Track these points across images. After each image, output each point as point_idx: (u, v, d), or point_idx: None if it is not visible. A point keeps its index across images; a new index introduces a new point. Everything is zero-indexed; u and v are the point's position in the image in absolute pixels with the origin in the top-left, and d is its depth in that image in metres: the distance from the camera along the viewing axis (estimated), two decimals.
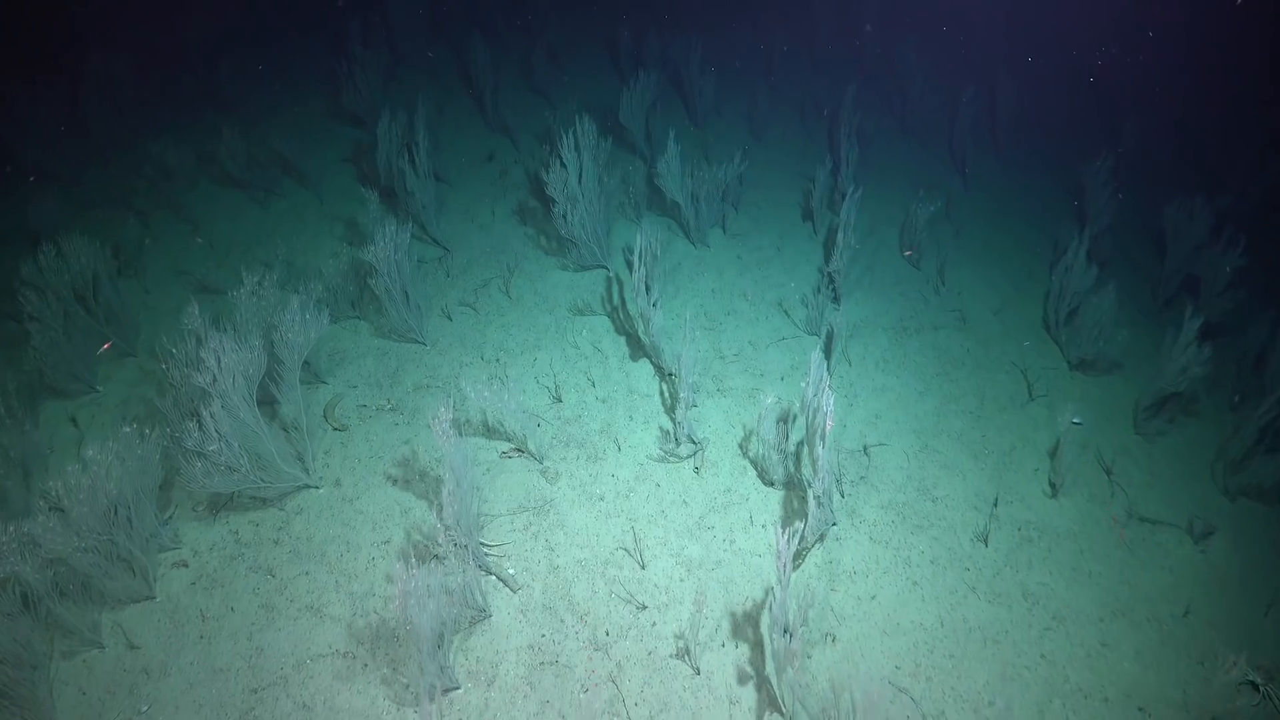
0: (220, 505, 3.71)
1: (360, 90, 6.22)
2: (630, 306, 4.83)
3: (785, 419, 3.95)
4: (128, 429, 3.30)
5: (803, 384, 3.46)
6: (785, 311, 4.94)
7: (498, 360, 4.48)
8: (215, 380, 3.25)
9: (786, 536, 2.74)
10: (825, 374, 3.20)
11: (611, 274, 5.10)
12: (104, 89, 6.49)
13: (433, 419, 3.23)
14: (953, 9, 8.07)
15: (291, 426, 3.84)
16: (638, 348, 4.58)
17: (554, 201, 4.74)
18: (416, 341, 4.54)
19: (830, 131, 6.63)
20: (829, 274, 4.94)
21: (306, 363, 4.34)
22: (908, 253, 5.55)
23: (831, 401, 3.01)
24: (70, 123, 6.41)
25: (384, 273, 4.23)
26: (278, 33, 8.05)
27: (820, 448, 3.10)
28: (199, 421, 3.20)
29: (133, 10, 8.01)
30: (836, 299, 4.96)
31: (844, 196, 5.68)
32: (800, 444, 4.02)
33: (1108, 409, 4.68)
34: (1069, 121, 7.53)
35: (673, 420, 4.15)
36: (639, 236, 4.20)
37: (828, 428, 3.00)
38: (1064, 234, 5.90)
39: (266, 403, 3.94)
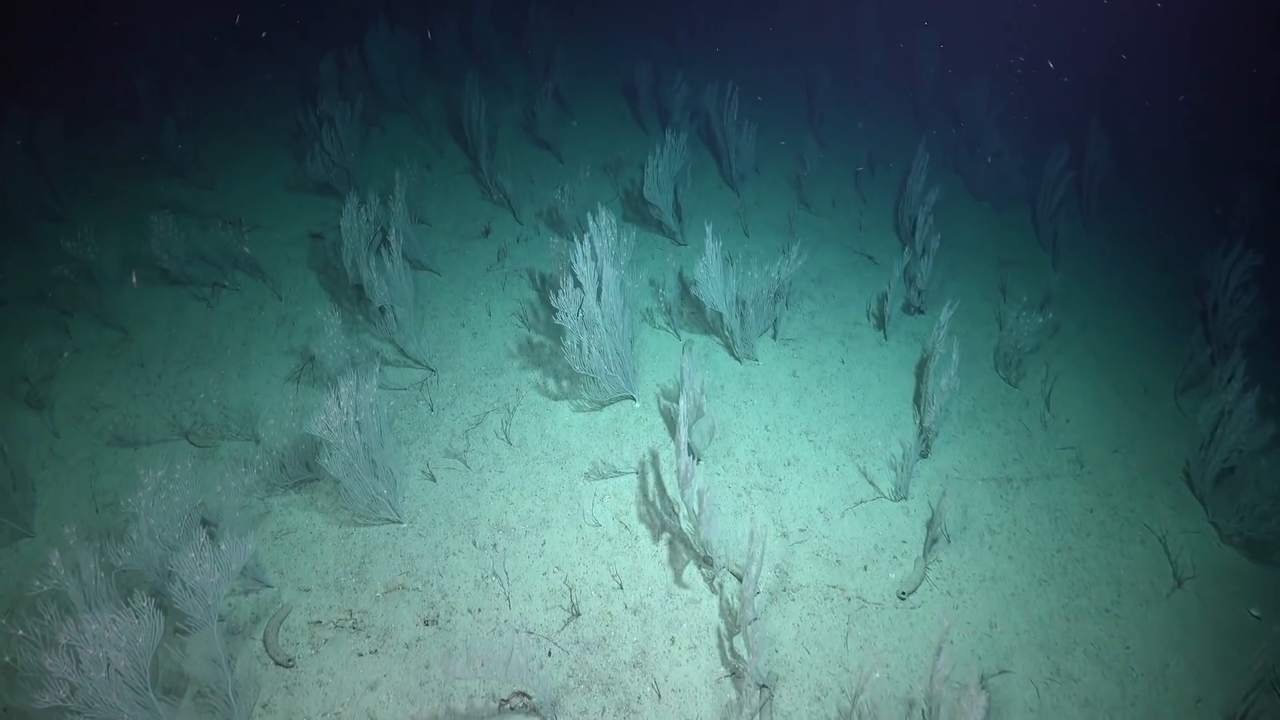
0: None
1: (329, 153, 5.03)
2: (664, 460, 3.70)
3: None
4: None
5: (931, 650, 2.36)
6: (857, 459, 3.81)
7: (494, 546, 3.36)
8: (75, 691, 2.14)
9: None
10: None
11: (638, 405, 3.97)
12: (28, 149, 5.32)
13: None
14: (1026, 44, 6.84)
15: (211, 690, 2.73)
16: (677, 528, 3.46)
17: (565, 329, 3.59)
18: (389, 520, 3.42)
19: (897, 207, 5.41)
20: (923, 427, 3.78)
21: None
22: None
23: None
24: None
25: (341, 445, 3.10)
26: (241, 72, 6.83)
27: None
28: None
29: (76, 50, 6.80)
30: (926, 450, 3.81)
31: (921, 293, 4.52)
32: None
33: (1270, 591, 3.57)
34: (1166, 184, 6.33)
35: (730, 655, 3.03)
36: (682, 401, 3.06)
37: None
38: (1179, 332, 4.77)
39: (177, 633, 2.84)
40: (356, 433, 3.15)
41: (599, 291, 3.63)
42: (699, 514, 2.96)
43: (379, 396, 3.28)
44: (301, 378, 4.05)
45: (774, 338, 4.39)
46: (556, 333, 4.29)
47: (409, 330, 4.02)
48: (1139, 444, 4.14)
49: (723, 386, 4.11)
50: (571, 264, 3.53)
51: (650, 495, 3.56)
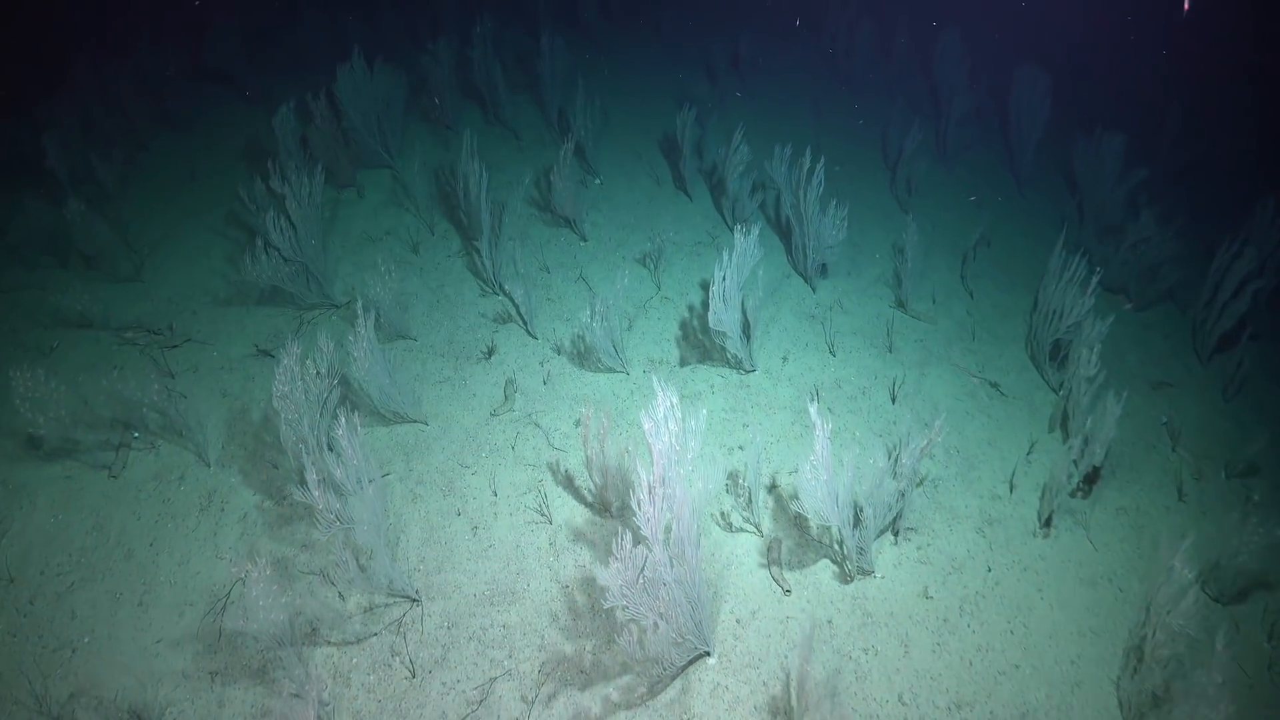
0: None
1: (279, 248, 3.61)
2: None
3: None
4: None
5: None
6: None
7: None
8: None
9: None
10: None
11: (714, 662, 2.62)
12: None
13: None
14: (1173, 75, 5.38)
15: None
16: None
17: (613, 599, 2.22)
18: None
19: (1030, 320, 3.90)
20: None
21: None
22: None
23: None
24: None
25: None
26: (189, 117, 5.31)
27: None
28: None
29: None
30: None
31: (1092, 479, 3.17)
32: None
33: None
34: None
35: None
36: None
37: None
38: None
39: None
40: None
41: (664, 524, 2.26)
42: None
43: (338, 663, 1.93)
44: (222, 637, 2.67)
45: (893, 535, 3.04)
46: (594, 544, 2.92)
47: (379, 558, 2.64)
48: None
49: (831, 622, 2.77)
50: (631, 513, 2.16)
51: None
